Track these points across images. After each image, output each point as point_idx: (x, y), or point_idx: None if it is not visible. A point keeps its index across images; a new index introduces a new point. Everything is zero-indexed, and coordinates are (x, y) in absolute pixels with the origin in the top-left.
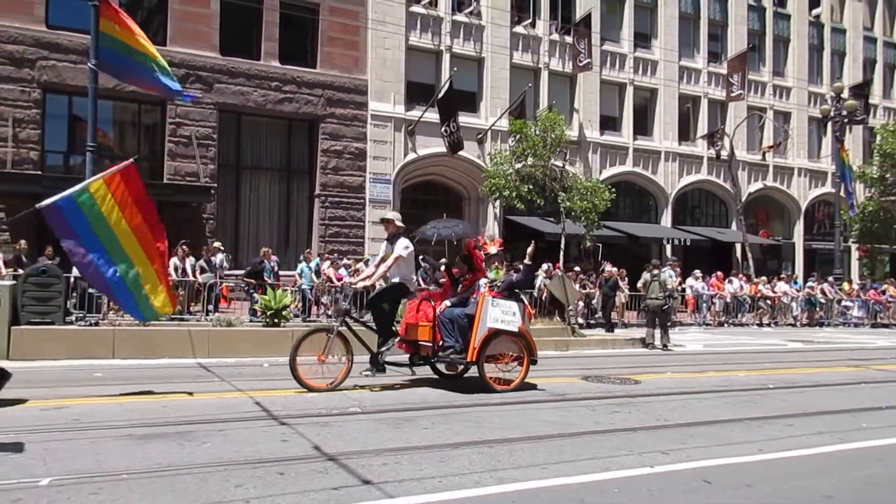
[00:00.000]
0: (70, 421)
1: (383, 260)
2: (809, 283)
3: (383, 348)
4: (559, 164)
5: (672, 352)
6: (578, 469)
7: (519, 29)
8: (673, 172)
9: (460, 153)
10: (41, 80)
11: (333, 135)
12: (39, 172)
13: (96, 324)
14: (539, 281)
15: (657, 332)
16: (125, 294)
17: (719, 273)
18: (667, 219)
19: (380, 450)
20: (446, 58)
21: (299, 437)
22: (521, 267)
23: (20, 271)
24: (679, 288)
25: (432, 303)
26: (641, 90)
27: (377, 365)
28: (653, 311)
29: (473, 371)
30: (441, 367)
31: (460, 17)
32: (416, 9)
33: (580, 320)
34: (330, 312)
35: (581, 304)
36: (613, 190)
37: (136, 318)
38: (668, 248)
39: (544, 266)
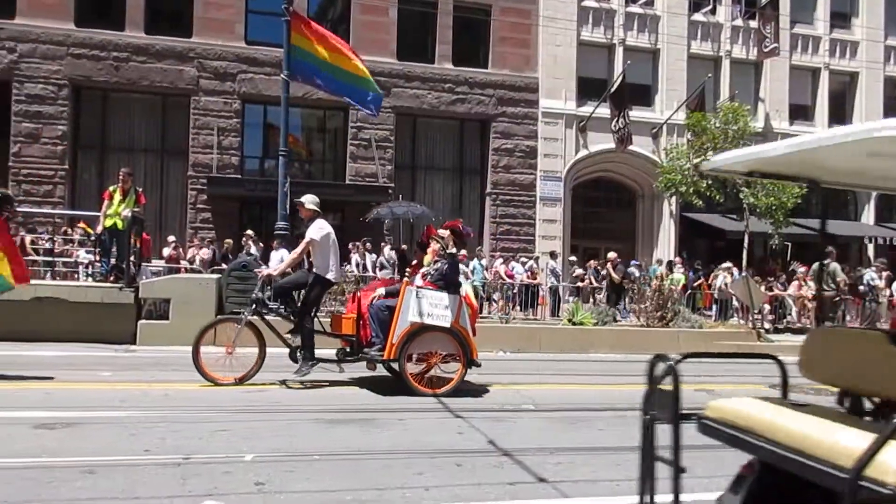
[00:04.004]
0: (269, 404)
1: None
2: None
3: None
4: None
5: None
6: None
7: (698, 17)
8: None
9: (634, 148)
10: (241, 92)
11: (504, 133)
12: (239, 176)
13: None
14: (720, 281)
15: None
16: None
17: None
18: (869, 215)
19: (554, 448)
20: (619, 51)
21: (474, 430)
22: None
23: (224, 266)
24: (886, 292)
25: (358, 294)
26: (839, 75)
27: (295, 359)
28: (822, 303)
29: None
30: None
31: (634, 9)
32: (587, 3)
33: (766, 325)
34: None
35: (767, 306)
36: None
37: None
38: (871, 247)
39: (725, 264)
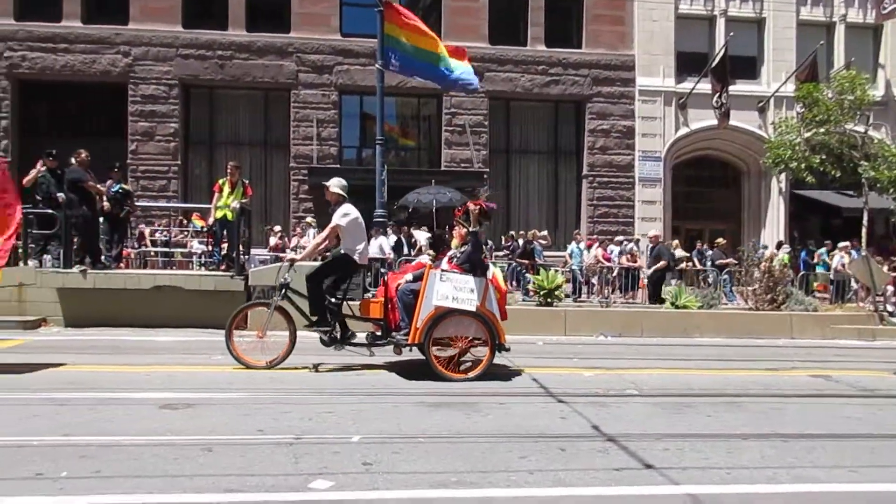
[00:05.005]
0: (370, 387)
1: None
2: None
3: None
4: (860, 129)
5: None
6: None
7: None
8: None
9: (739, 123)
10: (337, 84)
11: (600, 114)
12: (338, 166)
13: None
14: (836, 261)
15: None
16: None
17: None
18: None
19: (660, 434)
20: (721, 23)
21: (577, 415)
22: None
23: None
24: None
25: (385, 277)
26: None
27: (325, 343)
28: None
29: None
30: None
31: None
32: None
33: (889, 307)
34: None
35: (891, 288)
36: None
37: None
38: None
39: (842, 244)
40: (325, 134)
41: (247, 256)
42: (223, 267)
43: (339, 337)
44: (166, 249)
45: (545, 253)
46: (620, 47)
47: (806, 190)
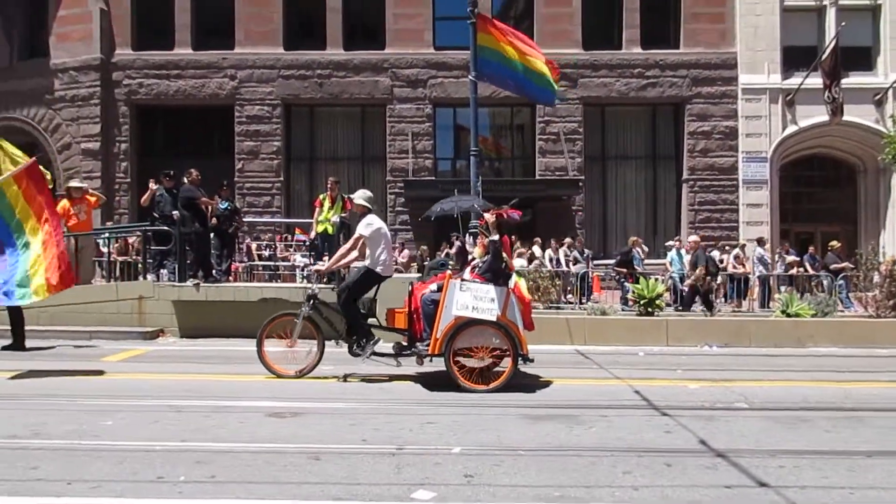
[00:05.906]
0: (469, 398)
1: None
2: None
3: (360, 347)
4: None
5: None
6: None
7: None
8: None
9: (853, 118)
10: (431, 97)
11: (700, 115)
12: (433, 178)
13: None
14: None
15: None
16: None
17: None
18: None
19: (774, 451)
20: (831, 13)
21: (683, 429)
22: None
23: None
24: None
25: (410, 287)
26: None
27: (353, 353)
28: None
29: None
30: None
31: None
32: None
33: None
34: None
35: None
36: None
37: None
38: None
39: None
40: (419, 147)
41: (347, 269)
42: (325, 280)
43: (366, 346)
44: (271, 263)
45: (645, 261)
46: (721, 45)
47: None
